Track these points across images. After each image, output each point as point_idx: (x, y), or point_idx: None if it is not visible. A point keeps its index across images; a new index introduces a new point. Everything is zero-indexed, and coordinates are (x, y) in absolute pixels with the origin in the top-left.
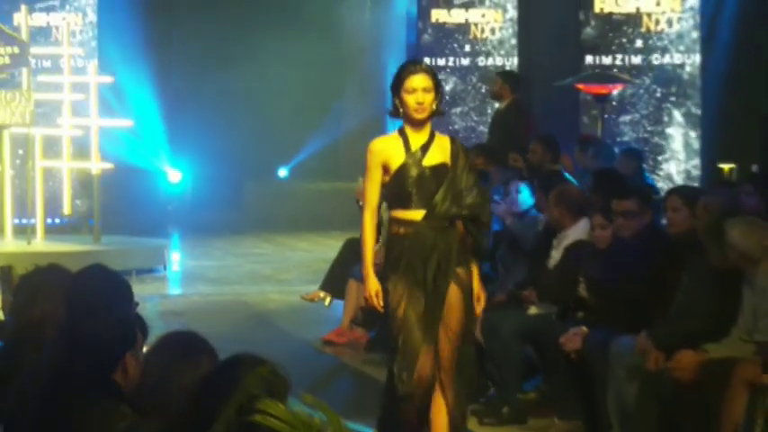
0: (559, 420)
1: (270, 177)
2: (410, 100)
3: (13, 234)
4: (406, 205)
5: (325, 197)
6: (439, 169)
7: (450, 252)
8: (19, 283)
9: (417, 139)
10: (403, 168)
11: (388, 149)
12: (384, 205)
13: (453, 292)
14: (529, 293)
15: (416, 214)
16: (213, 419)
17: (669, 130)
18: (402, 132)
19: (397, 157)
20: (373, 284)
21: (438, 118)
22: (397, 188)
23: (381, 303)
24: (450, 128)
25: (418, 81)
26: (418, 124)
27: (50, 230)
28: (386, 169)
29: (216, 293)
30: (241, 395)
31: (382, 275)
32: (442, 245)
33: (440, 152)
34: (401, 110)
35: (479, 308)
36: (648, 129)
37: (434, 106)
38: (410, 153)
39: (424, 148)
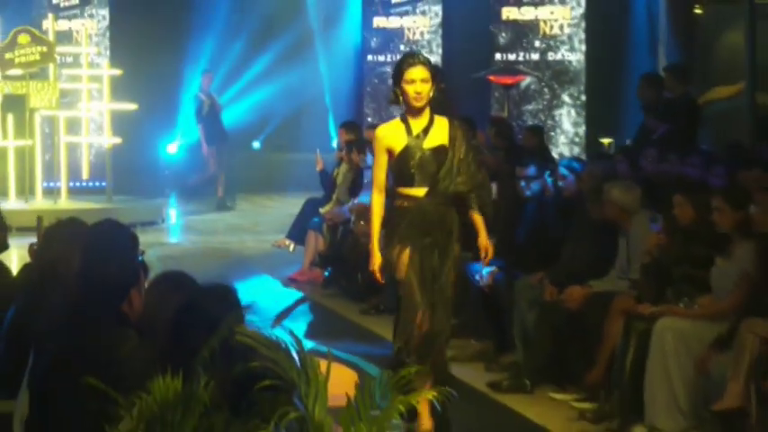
0: (475, 341)
1: (246, 148)
2: (410, 90)
3: (42, 195)
4: (409, 183)
5: (290, 164)
6: (438, 150)
7: (447, 225)
8: (44, 233)
9: (418, 124)
10: (406, 151)
11: (391, 135)
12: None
13: (450, 263)
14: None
15: (419, 191)
16: (196, 343)
17: (561, 112)
18: (404, 119)
19: (400, 141)
20: (377, 259)
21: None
22: (401, 168)
23: (382, 278)
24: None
25: (417, 72)
26: (418, 111)
27: (72, 192)
28: (390, 152)
29: (204, 242)
30: (222, 329)
31: (385, 244)
32: (441, 219)
33: (439, 135)
34: (401, 98)
35: (488, 259)
36: (544, 111)
37: (431, 94)
38: (412, 137)
39: (425, 132)
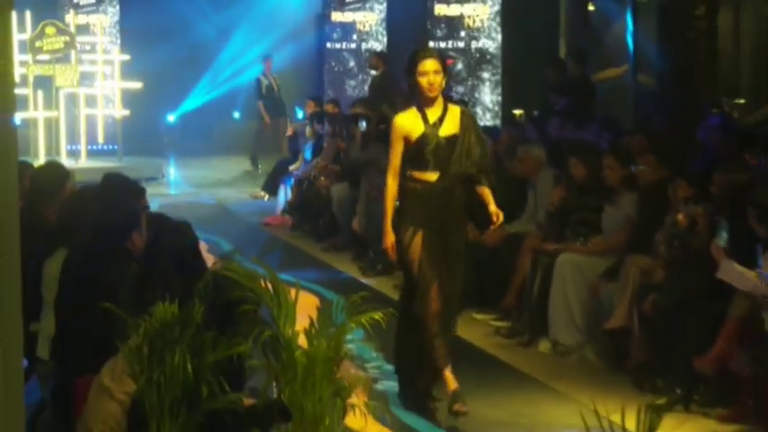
0: None
1: (228, 118)
2: (423, 81)
3: (66, 156)
4: (423, 168)
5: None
6: (451, 139)
7: (456, 206)
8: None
9: (433, 113)
10: (423, 138)
11: (408, 123)
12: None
13: (458, 240)
14: None
15: (432, 176)
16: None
17: (482, 89)
18: (419, 108)
19: (417, 129)
20: (390, 238)
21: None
22: (417, 154)
23: (394, 255)
24: (357, 92)
25: (429, 65)
26: (432, 100)
27: (90, 153)
28: (407, 139)
29: (196, 193)
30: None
31: (397, 223)
32: (449, 199)
33: (452, 123)
34: (416, 89)
35: (498, 224)
36: (469, 89)
37: (443, 84)
38: (428, 125)
39: (440, 121)
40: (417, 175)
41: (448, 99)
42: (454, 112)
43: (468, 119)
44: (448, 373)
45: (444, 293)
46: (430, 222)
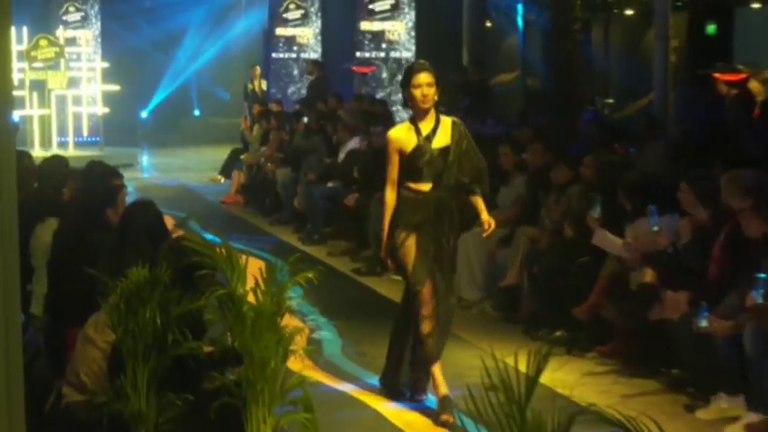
0: (344, 242)
1: (190, 116)
2: (417, 93)
3: (56, 146)
4: (417, 179)
5: (222, 125)
6: (444, 150)
7: (448, 213)
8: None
9: (426, 126)
10: (417, 150)
11: (402, 137)
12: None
13: (451, 245)
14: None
15: (425, 186)
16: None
17: (399, 94)
18: (413, 121)
19: (410, 142)
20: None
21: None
22: (412, 166)
23: (391, 263)
24: (296, 95)
25: (423, 78)
26: (425, 113)
27: (76, 144)
28: (401, 152)
29: (165, 177)
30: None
31: (391, 227)
32: (442, 207)
33: (444, 135)
34: (410, 102)
35: (490, 231)
36: (388, 93)
37: (436, 97)
38: (421, 138)
39: (433, 133)
40: (412, 185)
41: (439, 111)
42: (446, 123)
43: (458, 129)
44: (438, 376)
45: (438, 295)
46: (423, 228)
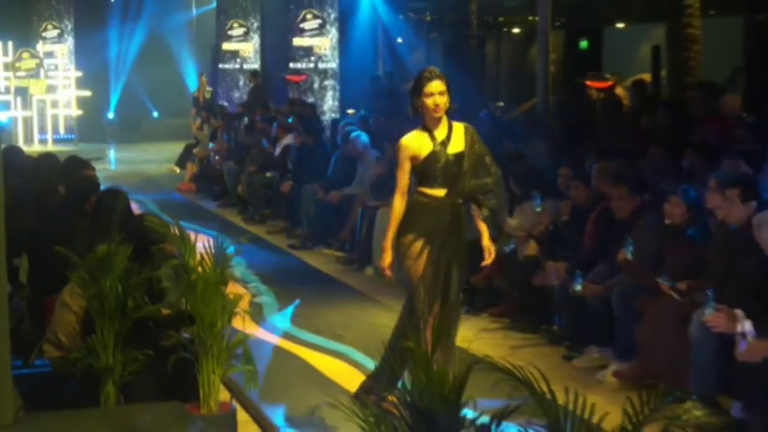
0: (281, 222)
1: (150, 117)
2: (429, 102)
3: (37, 142)
4: (432, 185)
5: (177, 125)
6: (459, 156)
7: (460, 224)
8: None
9: (440, 132)
10: (432, 156)
11: (415, 144)
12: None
13: (461, 253)
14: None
15: (440, 192)
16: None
17: (327, 96)
18: (425, 128)
19: (425, 148)
20: (388, 258)
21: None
22: (427, 171)
23: (392, 274)
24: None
25: (435, 86)
26: (437, 120)
27: (55, 141)
28: (415, 158)
29: (129, 168)
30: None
31: (399, 232)
32: (455, 216)
33: (457, 141)
34: (421, 110)
35: (490, 259)
36: (316, 96)
37: (447, 105)
38: (437, 143)
39: (447, 139)
40: (426, 190)
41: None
42: (458, 129)
43: (471, 135)
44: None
45: (445, 305)
46: (435, 234)
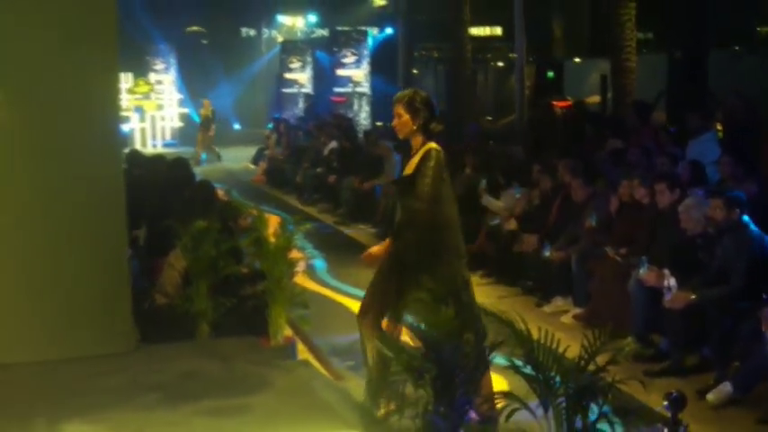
0: (327, 204)
1: (232, 128)
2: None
3: (150, 146)
4: None
5: (251, 133)
6: (404, 179)
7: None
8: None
9: (414, 153)
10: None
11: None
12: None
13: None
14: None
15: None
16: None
17: (362, 112)
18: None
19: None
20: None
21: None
22: None
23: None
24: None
25: (395, 109)
26: (412, 140)
27: (163, 146)
28: None
29: (216, 165)
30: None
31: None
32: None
33: (412, 164)
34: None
35: (366, 256)
36: (356, 112)
37: (408, 125)
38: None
39: (410, 161)
40: None
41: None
42: (421, 152)
43: (422, 160)
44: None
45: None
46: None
